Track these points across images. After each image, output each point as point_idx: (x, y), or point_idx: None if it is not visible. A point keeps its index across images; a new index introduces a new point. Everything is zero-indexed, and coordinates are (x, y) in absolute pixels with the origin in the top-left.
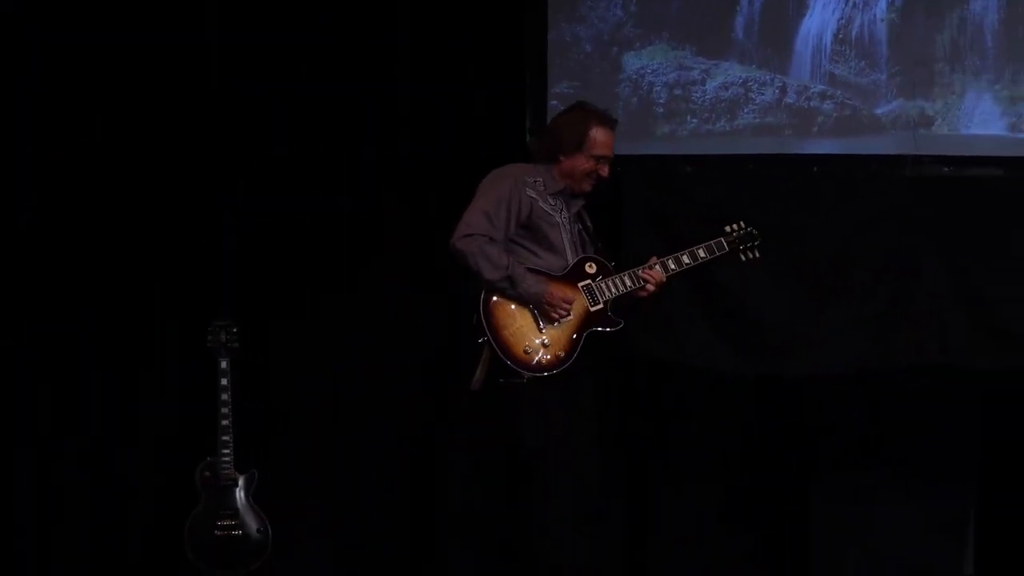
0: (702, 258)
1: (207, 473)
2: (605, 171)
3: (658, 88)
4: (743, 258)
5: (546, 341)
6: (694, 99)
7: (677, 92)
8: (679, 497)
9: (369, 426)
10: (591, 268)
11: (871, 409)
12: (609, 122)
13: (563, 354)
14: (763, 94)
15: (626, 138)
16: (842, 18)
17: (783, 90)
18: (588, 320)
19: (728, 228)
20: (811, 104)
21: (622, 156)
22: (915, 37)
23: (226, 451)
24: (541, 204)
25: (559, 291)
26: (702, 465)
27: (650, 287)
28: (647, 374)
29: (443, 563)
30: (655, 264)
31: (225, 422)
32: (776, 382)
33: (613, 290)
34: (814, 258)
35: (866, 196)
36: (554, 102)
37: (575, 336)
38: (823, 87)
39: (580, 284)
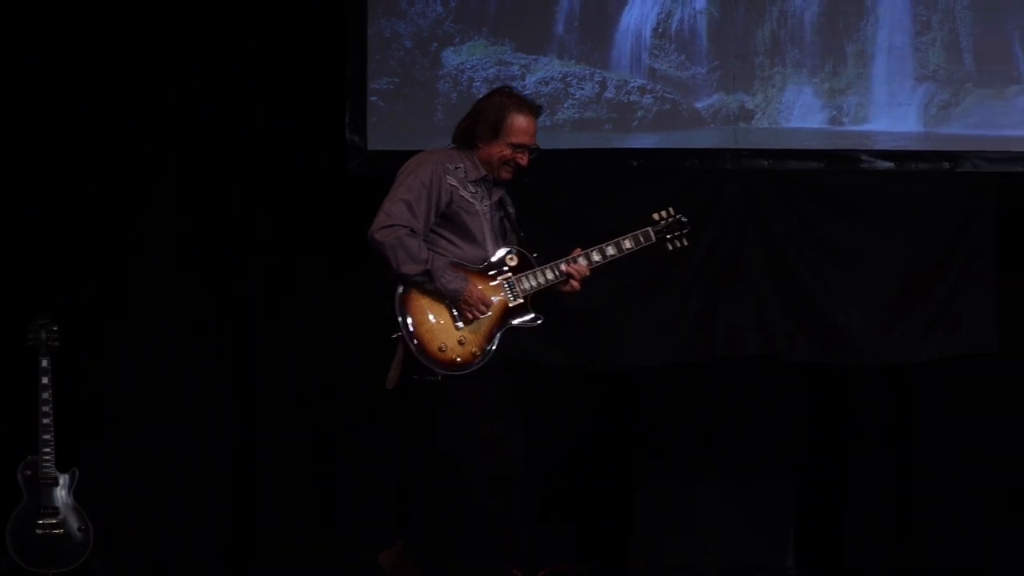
0: (628, 249)
1: (28, 472)
2: (524, 160)
3: (477, 84)
4: (670, 247)
5: (462, 339)
6: None
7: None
8: None
9: (190, 424)
10: (512, 261)
11: (695, 400)
12: (531, 109)
13: (479, 352)
14: (583, 89)
15: (446, 134)
16: (662, 12)
17: (603, 85)
18: (507, 315)
19: (656, 216)
20: (631, 99)
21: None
22: (735, 31)
23: (47, 450)
24: (462, 192)
25: (477, 290)
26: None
27: (573, 282)
28: None
29: (263, 560)
30: (578, 257)
31: (46, 420)
32: (602, 373)
33: (534, 284)
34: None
35: (687, 190)
36: (374, 98)
37: (492, 333)
38: (643, 82)
39: (501, 277)
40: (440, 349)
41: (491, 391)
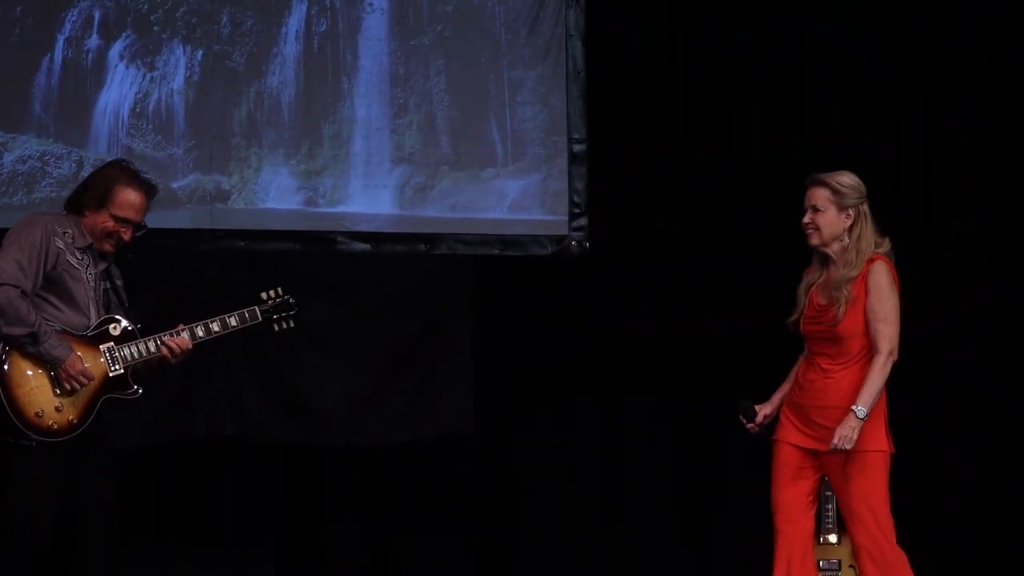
0: (233, 326)
1: None
2: (128, 235)
3: None
4: (276, 328)
5: (59, 405)
6: None
7: None
8: None
9: None
10: (115, 330)
11: (172, 478)
12: (141, 185)
13: (76, 420)
14: (60, 168)
15: None
16: (139, 92)
17: (80, 164)
18: (107, 385)
19: (264, 295)
20: None
21: None
22: (212, 111)
23: None
24: (68, 257)
25: (80, 361)
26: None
27: (173, 356)
28: None
29: None
30: (182, 331)
31: None
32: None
33: (136, 355)
34: None
35: (174, 269)
36: None
37: (91, 402)
38: None
39: (102, 346)
40: (37, 415)
41: (84, 464)
